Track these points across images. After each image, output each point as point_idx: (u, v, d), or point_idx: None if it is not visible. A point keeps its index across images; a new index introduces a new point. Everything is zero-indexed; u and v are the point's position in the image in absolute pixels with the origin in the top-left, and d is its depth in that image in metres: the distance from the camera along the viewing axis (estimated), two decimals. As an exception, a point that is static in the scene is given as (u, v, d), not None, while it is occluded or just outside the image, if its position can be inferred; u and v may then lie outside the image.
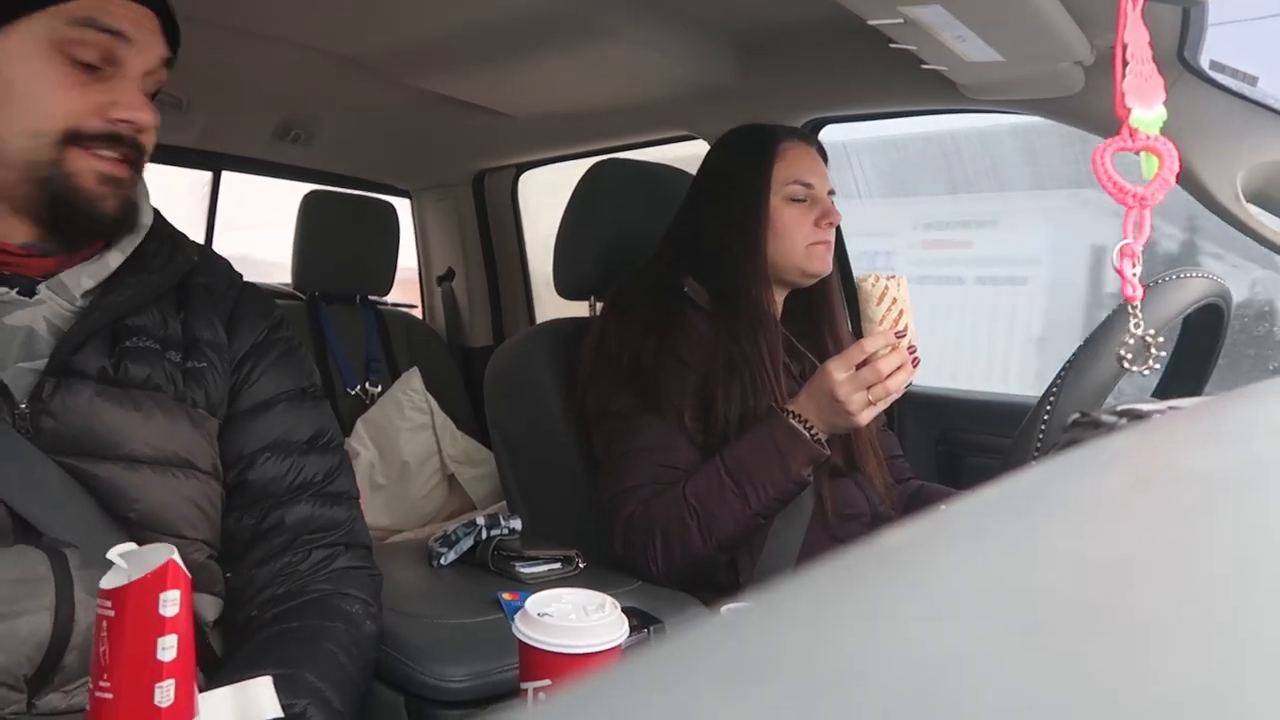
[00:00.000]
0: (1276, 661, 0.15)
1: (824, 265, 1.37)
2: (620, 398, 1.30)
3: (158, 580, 0.57)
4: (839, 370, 1.15)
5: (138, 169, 0.87)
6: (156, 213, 0.96)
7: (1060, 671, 0.14)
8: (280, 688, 0.78)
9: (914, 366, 1.15)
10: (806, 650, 0.16)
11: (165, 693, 0.56)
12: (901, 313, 1.14)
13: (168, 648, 0.57)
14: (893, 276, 1.16)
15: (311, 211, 2.26)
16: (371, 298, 2.42)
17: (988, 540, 0.22)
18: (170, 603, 0.57)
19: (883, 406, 1.17)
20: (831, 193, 1.38)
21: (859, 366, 1.14)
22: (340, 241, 2.27)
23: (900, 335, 1.14)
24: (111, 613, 0.56)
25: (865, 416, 1.16)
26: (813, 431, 1.19)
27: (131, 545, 0.60)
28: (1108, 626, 0.16)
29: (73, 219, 0.83)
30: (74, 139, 0.81)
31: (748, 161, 1.37)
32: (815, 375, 1.19)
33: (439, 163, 2.54)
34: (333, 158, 2.43)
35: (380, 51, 1.73)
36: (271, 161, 2.36)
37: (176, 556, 0.58)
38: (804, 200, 1.35)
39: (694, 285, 1.38)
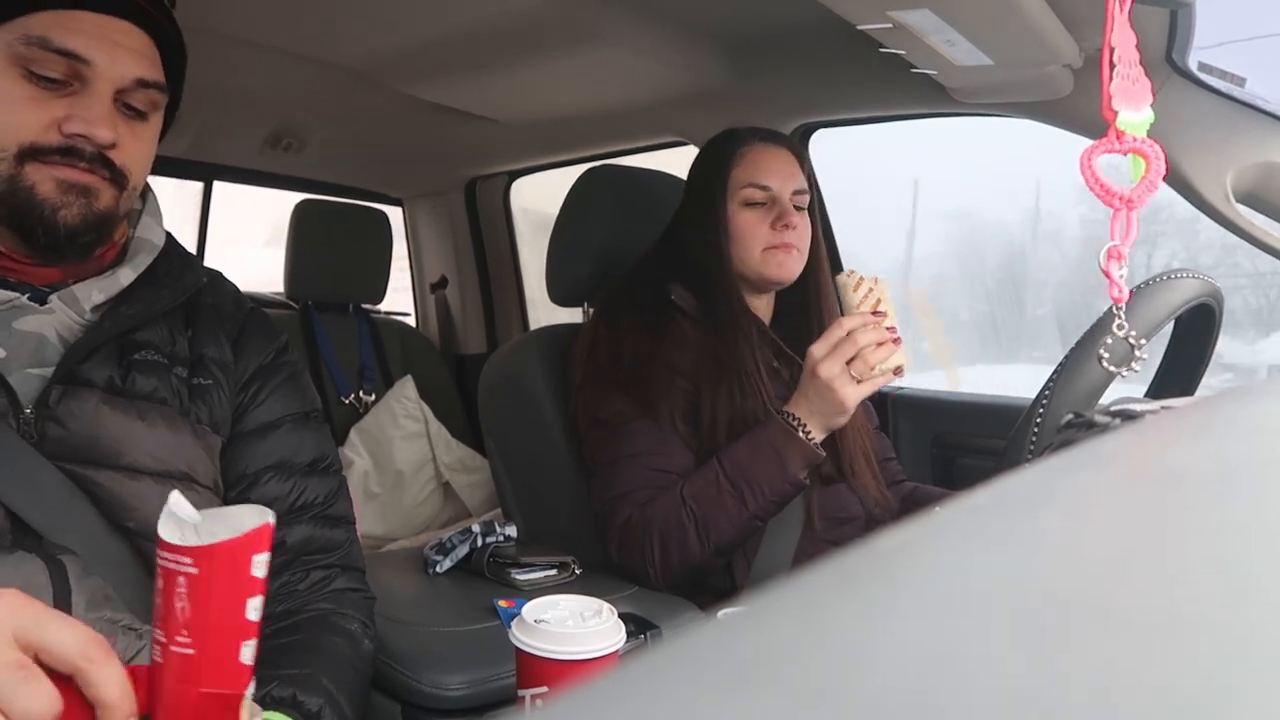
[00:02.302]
0: (1271, 659, 0.15)
1: (782, 272, 1.35)
2: (611, 404, 1.31)
3: (254, 542, 0.57)
4: (819, 349, 1.16)
5: (117, 185, 0.85)
6: (169, 235, 0.96)
7: (1057, 671, 0.14)
8: (295, 686, 0.79)
9: (896, 345, 1.15)
10: (803, 653, 0.16)
11: (250, 650, 0.57)
12: (880, 300, 1.16)
13: (256, 608, 0.57)
14: (876, 278, 1.18)
15: (303, 220, 2.26)
16: (365, 306, 2.42)
17: (983, 541, 0.22)
18: (261, 564, 0.57)
19: (869, 388, 1.16)
20: (800, 192, 1.36)
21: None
22: (333, 250, 2.27)
23: (878, 314, 1.15)
24: (195, 570, 0.56)
25: (851, 394, 1.15)
26: (807, 433, 1.20)
27: (180, 499, 0.59)
28: (1104, 625, 0.16)
29: (32, 228, 0.81)
30: (31, 154, 0.80)
31: (709, 168, 1.38)
32: (804, 368, 1.20)
33: (431, 170, 2.54)
34: (324, 166, 2.43)
35: (371, 59, 1.73)
36: (263, 171, 2.36)
37: (272, 519, 0.58)
38: (762, 204, 1.35)
39: (680, 292, 1.38)
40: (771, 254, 1.34)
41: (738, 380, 1.28)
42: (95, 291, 0.86)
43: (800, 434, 1.19)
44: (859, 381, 1.15)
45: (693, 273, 1.37)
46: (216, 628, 0.56)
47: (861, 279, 1.16)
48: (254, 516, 0.58)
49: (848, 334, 1.14)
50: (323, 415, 1.03)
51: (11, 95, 0.79)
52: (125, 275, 0.88)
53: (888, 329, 1.15)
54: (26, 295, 0.83)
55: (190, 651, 0.55)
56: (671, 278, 1.38)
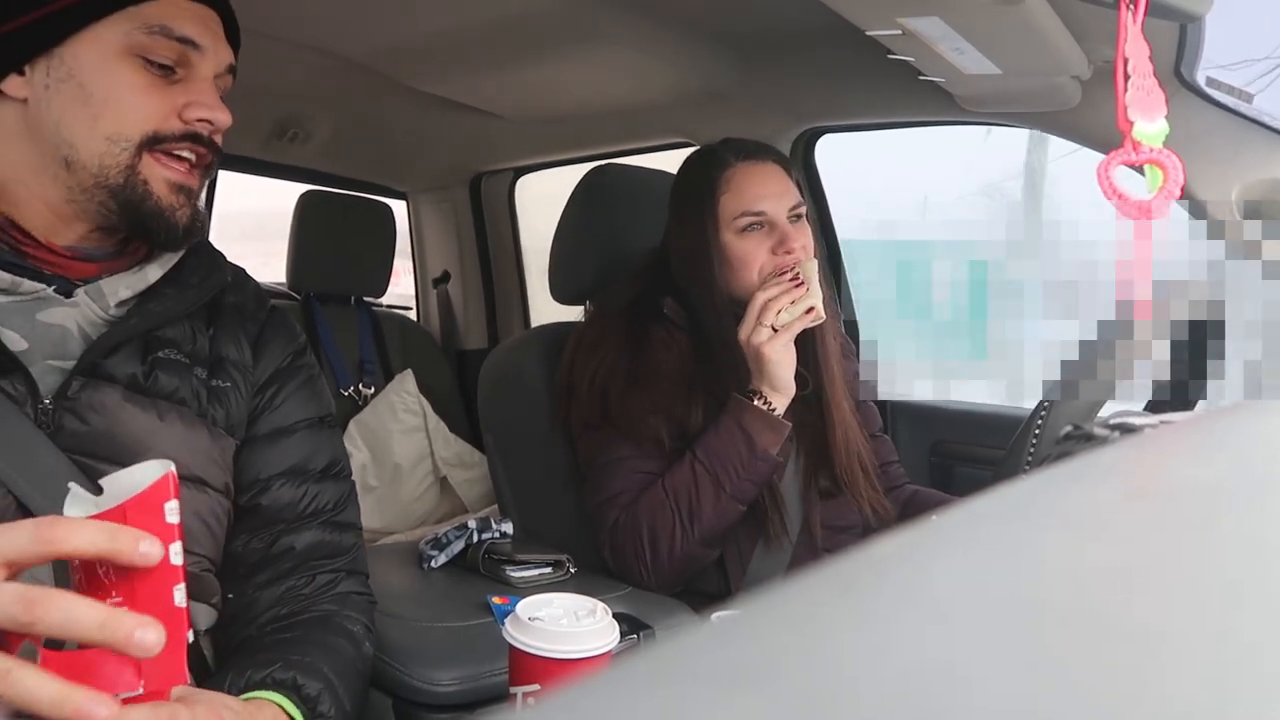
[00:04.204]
0: (1268, 671, 0.15)
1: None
2: (599, 411, 1.30)
3: (161, 491, 0.58)
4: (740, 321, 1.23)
5: (206, 175, 0.88)
6: None
7: (1051, 679, 0.14)
8: (297, 670, 0.79)
9: (800, 289, 1.21)
10: (797, 657, 0.16)
11: (181, 593, 0.59)
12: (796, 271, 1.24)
13: (178, 553, 0.59)
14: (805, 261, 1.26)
15: (307, 211, 2.26)
16: (366, 299, 2.42)
17: (980, 548, 0.22)
18: (173, 511, 0.59)
19: (785, 335, 1.21)
20: (795, 207, 1.31)
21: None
22: (336, 242, 2.27)
23: (783, 271, 1.23)
24: None
25: (767, 344, 1.20)
26: (767, 404, 1.23)
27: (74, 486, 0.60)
28: (1099, 635, 0.16)
29: (145, 225, 0.83)
30: (153, 143, 0.81)
31: (694, 197, 1.32)
32: None
33: (436, 165, 2.54)
34: (330, 158, 2.43)
35: (378, 52, 1.73)
36: (268, 161, 2.36)
37: (172, 468, 0.59)
38: (761, 228, 1.29)
39: (673, 305, 1.36)
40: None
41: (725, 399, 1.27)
42: (122, 288, 0.85)
43: (756, 402, 1.23)
44: (775, 331, 1.20)
45: (682, 293, 1.35)
46: (146, 580, 0.57)
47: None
48: (154, 469, 0.59)
49: (753, 296, 1.23)
50: (336, 419, 1.01)
51: (134, 83, 0.80)
52: (153, 272, 0.88)
53: (790, 279, 1.21)
54: (54, 288, 0.83)
55: (124, 605, 0.56)
56: (665, 291, 1.37)
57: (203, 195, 0.95)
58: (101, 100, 0.80)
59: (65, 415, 0.81)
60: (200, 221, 0.89)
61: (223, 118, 0.85)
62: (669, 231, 1.38)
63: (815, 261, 1.25)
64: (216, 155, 0.87)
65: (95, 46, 0.80)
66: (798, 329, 1.21)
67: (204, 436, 0.87)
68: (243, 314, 0.95)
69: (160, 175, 0.83)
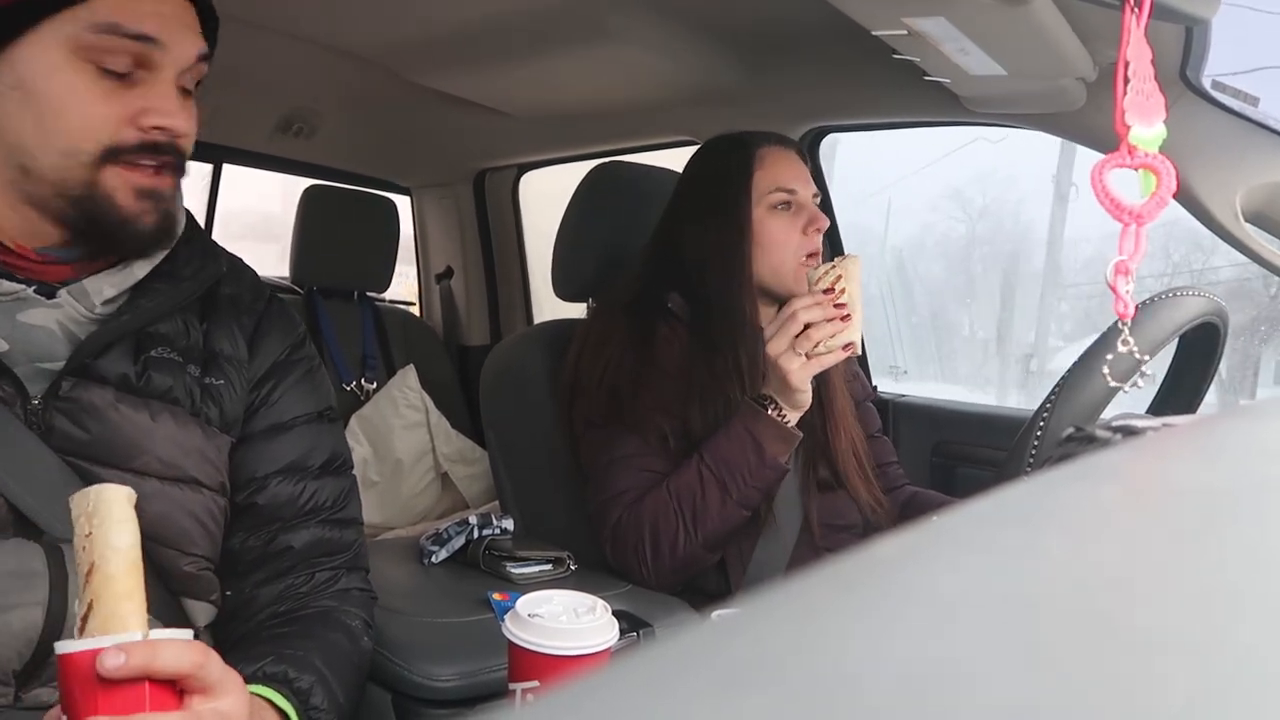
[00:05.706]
0: (1268, 677, 0.15)
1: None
2: (602, 410, 1.30)
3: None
4: (770, 328, 1.17)
5: (178, 178, 0.83)
6: (190, 218, 0.92)
7: (1051, 682, 0.14)
8: (288, 664, 0.79)
9: (845, 322, 1.15)
10: (796, 656, 0.16)
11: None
12: (840, 277, 1.16)
13: None
14: (846, 256, 1.19)
15: (311, 206, 2.26)
16: (369, 294, 2.42)
17: (980, 550, 0.22)
18: None
19: (816, 365, 1.16)
20: (816, 196, 1.34)
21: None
22: (339, 237, 2.27)
23: (828, 292, 1.15)
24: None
25: (796, 371, 1.15)
26: (781, 414, 1.20)
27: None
28: (1099, 638, 0.16)
29: (109, 235, 0.80)
30: (111, 155, 0.76)
31: (727, 171, 1.32)
32: None
33: (440, 161, 2.54)
34: (334, 153, 2.43)
35: (384, 47, 1.73)
36: (272, 155, 2.36)
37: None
38: (789, 207, 1.31)
39: (678, 301, 1.35)
40: (809, 265, 1.27)
41: (730, 398, 1.26)
42: (107, 286, 0.82)
43: (770, 412, 1.20)
44: (807, 358, 1.16)
45: (694, 280, 1.34)
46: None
47: (834, 265, 1.18)
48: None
49: (793, 312, 1.15)
50: (337, 412, 0.99)
51: (85, 91, 0.75)
52: (140, 268, 0.84)
53: (836, 306, 1.15)
54: (33, 288, 0.80)
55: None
56: (668, 286, 1.36)
57: (183, 195, 0.91)
58: (52, 112, 0.75)
59: (56, 416, 0.79)
60: (172, 223, 0.85)
61: (182, 124, 0.79)
62: (687, 215, 1.37)
63: (858, 258, 1.19)
64: (183, 162, 0.82)
65: (41, 51, 0.74)
66: (830, 363, 1.18)
67: (197, 435, 0.85)
68: (238, 306, 0.92)
69: (126, 183, 0.78)
